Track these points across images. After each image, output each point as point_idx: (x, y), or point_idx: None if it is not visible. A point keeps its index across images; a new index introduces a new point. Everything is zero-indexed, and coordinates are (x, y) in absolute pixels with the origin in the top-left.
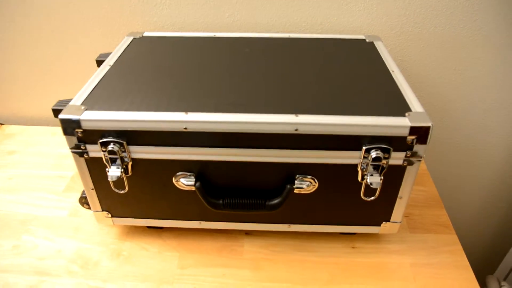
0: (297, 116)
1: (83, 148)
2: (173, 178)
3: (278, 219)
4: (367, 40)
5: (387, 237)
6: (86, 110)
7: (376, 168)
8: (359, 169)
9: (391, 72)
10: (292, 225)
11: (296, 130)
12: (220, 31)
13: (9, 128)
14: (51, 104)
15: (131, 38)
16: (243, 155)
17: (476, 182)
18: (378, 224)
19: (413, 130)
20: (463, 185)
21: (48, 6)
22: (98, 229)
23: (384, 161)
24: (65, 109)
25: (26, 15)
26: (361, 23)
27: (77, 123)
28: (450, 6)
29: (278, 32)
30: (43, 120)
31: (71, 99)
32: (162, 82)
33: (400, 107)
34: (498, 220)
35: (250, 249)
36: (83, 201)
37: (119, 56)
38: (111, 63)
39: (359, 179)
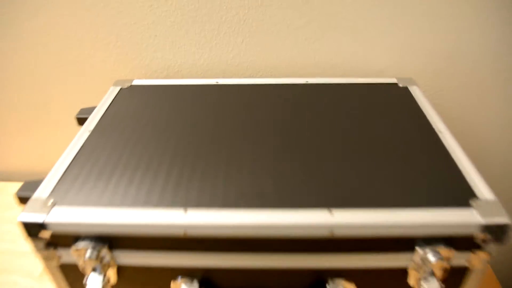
0: (331, 213)
1: (53, 252)
2: (172, 283)
3: None
4: (400, 85)
5: None
6: (54, 205)
7: (433, 271)
8: (411, 271)
9: (438, 133)
10: None
11: (331, 233)
12: (223, 76)
13: None
14: (36, 158)
15: (117, 89)
16: (259, 261)
17: None
18: None
19: (486, 228)
20: None
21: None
22: None
23: (444, 264)
24: (27, 206)
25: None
26: (389, 61)
27: (42, 226)
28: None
29: (292, 76)
30: (14, 175)
31: (41, 181)
32: (155, 155)
33: (461, 191)
34: None
35: None
36: None
37: (102, 116)
38: (91, 127)
39: (411, 282)
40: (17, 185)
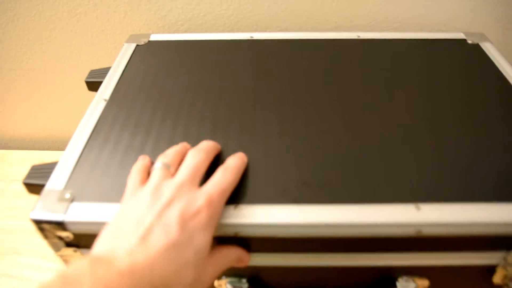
0: (418, 208)
1: (76, 252)
2: (216, 282)
3: None
4: (469, 41)
5: None
6: (72, 201)
7: None
8: (499, 269)
9: None
10: None
11: (417, 232)
12: (256, 30)
13: None
14: (38, 124)
15: (133, 46)
16: (321, 260)
17: None
18: None
19: None
20: None
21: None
22: None
23: None
24: (40, 201)
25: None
26: (456, 11)
27: (60, 225)
28: None
29: (340, 30)
30: (29, 142)
31: (52, 166)
32: (187, 131)
33: None
34: None
35: None
36: None
37: (118, 82)
38: (107, 96)
39: (497, 281)
40: (21, 153)
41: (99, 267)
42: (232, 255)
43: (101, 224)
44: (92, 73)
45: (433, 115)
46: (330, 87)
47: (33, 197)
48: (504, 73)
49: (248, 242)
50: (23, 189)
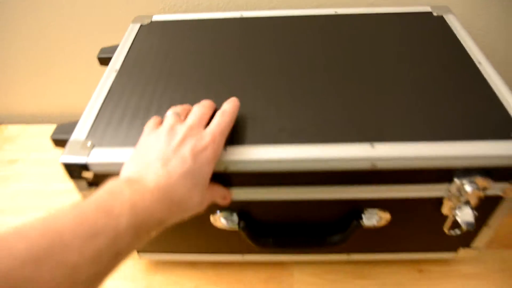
0: (373, 146)
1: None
2: (211, 217)
3: (336, 249)
4: (435, 14)
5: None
6: (93, 147)
7: (468, 202)
8: (445, 201)
9: (477, 64)
10: (352, 254)
11: (373, 166)
12: (247, 9)
13: (7, 130)
14: (53, 100)
15: (137, 26)
16: (298, 194)
17: None
18: (455, 250)
19: None
20: None
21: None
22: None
23: (480, 194)
24: (67, 148)
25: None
26: None
27: (84, 166)
28: None
29: (321, 7)
30: (45, 117)
31: (74, 124)
32: (187, 95)
33: (502, 123)
34: None
35: (301, 278)
36: None
37: (126, 55)
38: (117, 67)
39: (445, 211)
40: (38, 128)
41: (135, 184)
42: (221, 191)
43: (116, 165)
44: (103, 50)
45: (395, 75)
46: (310, 56)
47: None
48: (462, 42)
49: (235, 177)
50: (42, 159)
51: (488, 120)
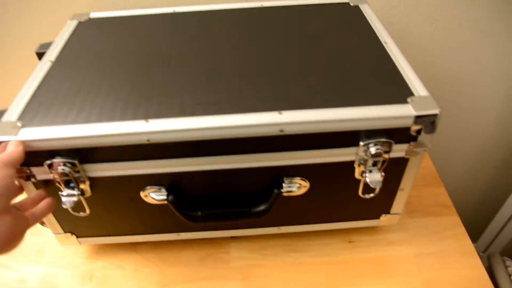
0: (280, 113)
1: (28, 171)
2: (141, 193)
3: (266, 222)
4: (352, 4)
5: (386, 226)
6: (23, 127)
7: (375, 164)
8: (356, 166)
9: (383, 44)
10: (282, 227)
11: (281, 131)
12: (179, 4)
13: None
14: None
15: (75, 22)
16: (220, 163)
17: (466, 144)
18: (377, 217)
19: (419, 119)
20: (452, 146)
21: None
22: (64, 248)
23: (384, 156)
24: None
25: None
26: None
27: None
28: None
29: (249, 0)
30: None
31: (5, 110)
32: (115, 80)
33: (400, 91)
34: (484, 184)
35: (237, 254)
36: (41, 220)
37: (62, 48)
38: (52, 58)
39: (357, 175)
40: None
41: None
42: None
43: (44, 142)
44: (42, 45)
45: (309, 54)
46: (235, 42)
47: None
48: (373, 26)
49: (158, 148)
50: None
51: (388, 88)
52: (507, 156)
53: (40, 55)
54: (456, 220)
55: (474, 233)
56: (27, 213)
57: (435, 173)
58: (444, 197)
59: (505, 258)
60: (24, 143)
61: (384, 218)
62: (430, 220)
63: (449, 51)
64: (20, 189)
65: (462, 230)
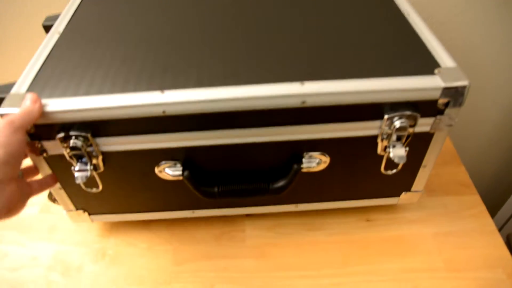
0: (303, 84)
1: (39, 146)
2: (156, 169)
3: (283, 199)
4: None
5: (404, 205)
6: None
7: (399, 138)
8: (379, 140)
9: (406, 15)
10: (299, 205)
11: (303, 102)
12: None
13: None
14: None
15: None
16: (237, 137)
17: (483, 121)
18: (397, 194)
19: (447, 91)
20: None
21: None
22: (76, 226)
23: (409, 130)
24: (6, 101)
25: None
26: None
27: None
28: None
29: None
30: None
31: (13, 83)
32: (127, 51)
33: (426, 62)
34: (500, 161)
35: (252, 233)
36: (53, 197)
37: (70, 19)
38: (60, 29)
39: (379, 151)
40: None
41: None
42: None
43: (55, 114)
44: (49, 18)
45: (329, 24)
46: (246, 9)
47: None
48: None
49: (175, 121)
50: None
51: (413, 60)
52: None
53: (47, 28)
54: (476, 199)
55: (490, 212)
56: (32, 181)
57: (453, 150)
58: (463, 175)
59: None
60: (40, 100)
61: (404, 196)
62: (449, 199)
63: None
64: (35, 170)
65: (483, 208)
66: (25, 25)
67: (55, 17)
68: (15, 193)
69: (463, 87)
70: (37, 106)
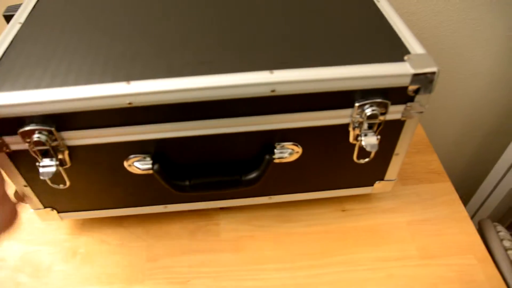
0: (272, 73)
1: (0, 141)
2: (125, 163)
3: (257, 191)
4: None
5: (379, 194)
6: None
7: (371, 126)
8: (350, 129)
9: (376, 2)
10: (273, 196)
11: (272, 91)
12: None
13: None
14: None
15: None
16: (208, 128)
17: (455, 110)
18: (371, 184)
19: (416, 77)
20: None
21: None
22: (45, 224)
23: (380, 118)
24: None
25: None
26: None
27: None
28: None
29: None
30: None
31: None
32: (92, 41)
33: (395, 49)
34: (472, 150)
35: (227, 226)
36: (20, 195)
37: (33, 8)
38: (22, 19)
39: (351, 140)
40: None
41: None
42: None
43: (19, 106)
44: (9, 8)
45: (299, 13)
46: (221, 1)
47: None
48: None
49: (142, 112)
50: None
51: (383, 46)
52: (496, 122)
53: (8, 18)
54: (448, 186)
55: (462, 200)
56: None
57: (426, 139)
58: (436, 163)
59: (495, 224)
60: None
61: (378, 185)
62: (422, 187)
63: (437, 15)
64: None
65: (455, 196)
66: None
67: (16, 7)
68: None
69: (433, 73)
70: None
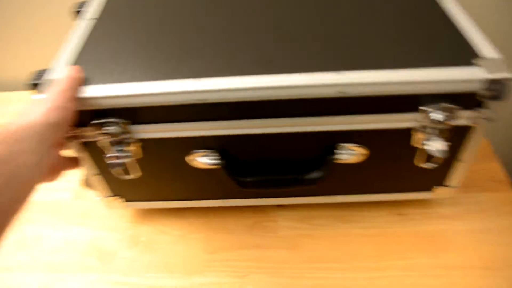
0: (340, 74)
1: (75, 131)
2: (192, 156)
3: (315, 191)
4: None
5: (438, 200)
6: None
7: (437, 131)
8: (416, 133)
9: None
10: (332, 197)
11: (341, 92)
12: None
13: None
14: (27, 65)
15: None
16: (272, 126)
17: None
18: (429, 189)
19: (490, 83)
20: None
21: None
22: (109, 212)
23: (448, 123)
24: (40, 88)
25: None
26: None
27: None
28: None
29: None
30: (20, 84)
31: (45, 70)
32: (161, 38)
33: (464, 51)
34: None
35: (285, 224)
36: (87, 183)
37: (104, 5)
38: (92, 16)
39: (415, 144)
40: (20, 95)
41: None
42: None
43: (96, 99)
44: (78, 4)
45: (363, 12)
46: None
47: None
48: None
49: (213, 109)
50: None
51: (450, 50)
52: None
53: (77, 15)
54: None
55: None
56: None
57: (489, 146)
58: (498, 171)
59: None
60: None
61: (437, 190)
62: (484, 195)
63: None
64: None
65: None
66: (51, 12)
67: (85, 4)
68: (59, 159)
69: (509, 80)
70: (82, 75)
